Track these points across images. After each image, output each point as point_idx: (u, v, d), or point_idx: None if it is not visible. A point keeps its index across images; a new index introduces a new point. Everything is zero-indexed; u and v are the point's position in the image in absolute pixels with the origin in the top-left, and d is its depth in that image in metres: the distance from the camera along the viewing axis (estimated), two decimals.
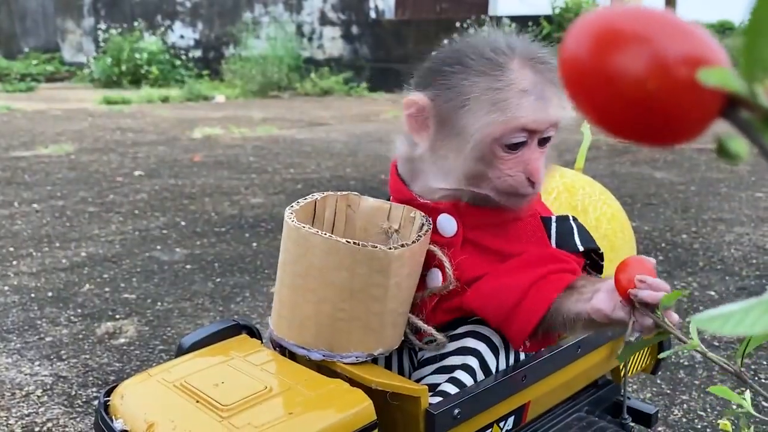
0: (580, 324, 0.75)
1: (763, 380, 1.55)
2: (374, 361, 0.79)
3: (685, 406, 1.45)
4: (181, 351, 0.81)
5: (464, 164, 0.77)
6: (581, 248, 0.84)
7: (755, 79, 0.23)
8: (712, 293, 2.06)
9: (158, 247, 2.54)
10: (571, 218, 0.86)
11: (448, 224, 0.81)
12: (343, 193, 0.87)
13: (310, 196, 0.85)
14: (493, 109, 0.74)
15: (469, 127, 0.75)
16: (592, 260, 0.87)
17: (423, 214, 0.81)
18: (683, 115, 0.24)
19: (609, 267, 1.00)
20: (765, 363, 1.63)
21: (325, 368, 0.76)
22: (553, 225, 0.85)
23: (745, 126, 0.24)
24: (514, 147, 0.75)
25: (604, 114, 0.25)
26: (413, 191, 0.84)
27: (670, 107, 0.24)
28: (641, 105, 0.24)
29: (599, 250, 0.86)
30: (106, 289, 2.12)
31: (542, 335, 0.80)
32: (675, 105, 0.24)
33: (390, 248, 0.72)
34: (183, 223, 2.87)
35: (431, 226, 0.79)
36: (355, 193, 0.88)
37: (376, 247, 0.72)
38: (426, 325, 0.80)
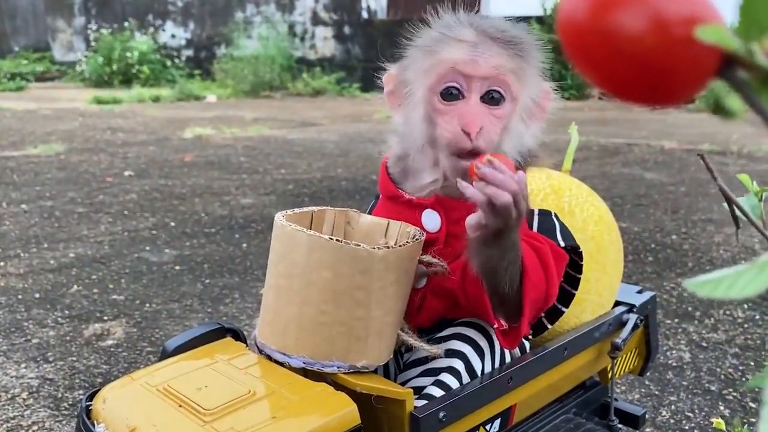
0: (480, 251, 0.71)
1: None
2: None
3: (673, 407, 1.45)
4: (165, 354, 0.81)
5: (417, 128, 0.79)
6: (562, 244, 0.84)
7: (752, 38, 0.23)
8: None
9: (147, 248, 2.53)
10: (553, 215, 0.87)
11: (431, 220, 0.82)
12: (342, 209, 0.87)
13: (306, 207, 0.86)
14: (428, 56, 0.77)
15: (413, 81, 0.78)
16: (572, 260, 0.87)
17: (418, 228, 0.81)
18: (680, 72, 0.24)
19: (596, 269, 1.00)
20: (752, 364, 1.64)
21: (310, 371, 0.76)
22: (536, 217, 0.85)
23: (741, 85, 0.24)
24: (450, 96, 0.75)
25: (603, 72, 0.25)
26: (400, 189, 0.84)
27: (668, 64, 0.24)
28: (639, 62, 0.24)
29: (579, 248, 0.86)
30: (94, 291, 2.11)
31: (497, 298, 0.75)
32: (672, 62, 0.24)
33: (374, 248, 0.72)
34: (172, 224, 2.86)
35: (424, 237, 0.79)
36: (354, 209, 0.88)
37: (359, 245, 0.72)
38: (418, 342, 0.80)
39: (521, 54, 0.76)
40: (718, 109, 0.24)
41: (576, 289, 0.89)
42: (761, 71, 0.23)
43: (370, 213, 0.92)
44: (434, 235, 0.82)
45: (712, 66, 0.24)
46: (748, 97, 0.23)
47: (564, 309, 0.91)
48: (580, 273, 0.88)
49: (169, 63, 10.35)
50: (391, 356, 0.80)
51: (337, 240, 0.72)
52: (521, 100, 0.78)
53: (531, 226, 0.84)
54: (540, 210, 0.86)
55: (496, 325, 0.78)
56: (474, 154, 0.74)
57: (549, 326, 0.93)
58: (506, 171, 0.67)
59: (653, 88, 0.24)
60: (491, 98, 0.76)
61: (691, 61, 0.24)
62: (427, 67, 0.76)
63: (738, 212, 0.45)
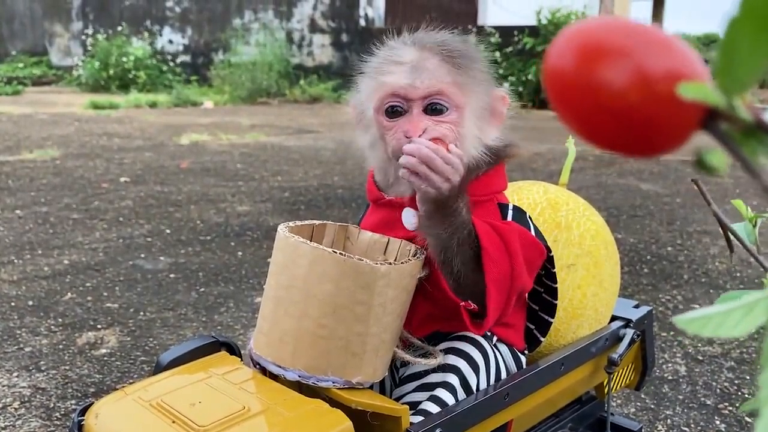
0: (428, 228, 0.76)
1: (746, 395, 1.56)
2: None
3: (669, 421, 1.45)
4: (159, 368, 0.80)
5: (376, 144, 0.84)
6: None
7: (733, 92, 0.23)
8: (697, 306, 2.07)
9: (142, 256, 2.52)
10: (527, 216, 0.87)
11: (410, 216, 0.84)
12: (343, 224, 0.89)
13: (308, 221, 0.87)
14: (372, 82, 0.83)
15: (365, 105, 0.85)
16: (546, 269, 0.87)
17: (419, 246, 0.81)
18: (664, 127, 0.24)
19: (593, 284, 1.00)
20: (748, 378, 1.63)
21: (306, 387, 0.75)
22: (510, 212, 0.85)
23: (725, 138, 0.24)
24: (394, 114, 0.80)
25: (587, 125, 0.25)
26: (384, 193, 0.87)
27: (651, 119, 0.24)
28: (623, 117, 0.24)
29: (550, 252, 0.86)
30: (88, 298, 2.10)
31: (462, 285, 0.77)
32: (656, 117, 0.24)
33: (377, 263, 0.72)
34: (168, 231, 2.85)
35: (425, 255, 0.79)
36: (354, 225, 0.90)
37: (362, 260, 0.72)
38: (414, 357, 0.80)
39: (461, 65, 0.80)
40: (700, 165, 0.24)
41: (556, 299, 0.89)
42: (744, 124, 0.23)
43: (361, 219, 0.94)
44: (414, 233, 0.83)
45: (696, 120, 0.24)
46: (732, 149, 0.24)
47: (551, 319, 0.91)
48: (555, 282, 0.88)
49: (166, 68, 10.35)
50: (386, 373, 0.80)
51: (340, 253, 0.72)
52: (468, 107, 0.80)
53: (505, 219, 0.85)
54: (514, 206, 0.87)
55: (462, 304, 0.77)
56: None
57: (542, 339, 0.93)
58: (424, 142, 0.73)
59: (636, 141, 0.25)
60: (434, 109, 0.80)
61: (675, 115, 0.24)
62: (371, 91, 0.83)
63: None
